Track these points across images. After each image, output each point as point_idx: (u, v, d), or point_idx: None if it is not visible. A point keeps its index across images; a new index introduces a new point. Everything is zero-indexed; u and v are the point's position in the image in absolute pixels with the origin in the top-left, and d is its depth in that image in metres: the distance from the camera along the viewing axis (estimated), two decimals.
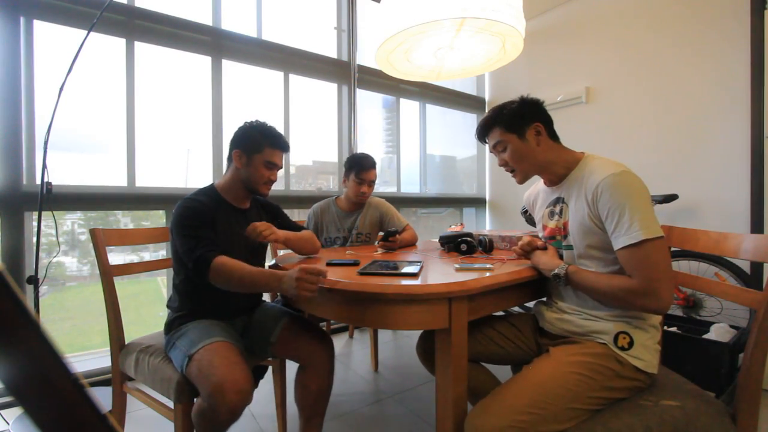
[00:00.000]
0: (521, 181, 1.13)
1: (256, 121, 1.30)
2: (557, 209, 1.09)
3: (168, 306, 1.26)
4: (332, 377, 1.26)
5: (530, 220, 1.84)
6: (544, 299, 1.21)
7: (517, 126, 1.06)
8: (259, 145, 1.25)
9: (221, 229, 1.21)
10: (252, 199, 1.37)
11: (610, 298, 0.94)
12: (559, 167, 1.08)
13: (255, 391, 1.06)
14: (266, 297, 1.84)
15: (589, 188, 0.96)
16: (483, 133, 1.14)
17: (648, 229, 0.86)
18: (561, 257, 1.09)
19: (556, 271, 1.02)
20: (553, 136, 1.09)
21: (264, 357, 1.31)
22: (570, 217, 1.04)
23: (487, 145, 1.16)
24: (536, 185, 1.25)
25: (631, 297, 0.89)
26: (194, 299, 1.21)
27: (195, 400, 1.09)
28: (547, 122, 1.08)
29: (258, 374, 1.71)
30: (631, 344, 0.93)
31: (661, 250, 0.87)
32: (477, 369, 1.19)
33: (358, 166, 1.86)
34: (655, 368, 0.94)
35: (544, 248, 1.14)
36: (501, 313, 1.22)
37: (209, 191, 1.27)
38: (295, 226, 1.51)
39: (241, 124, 1.30)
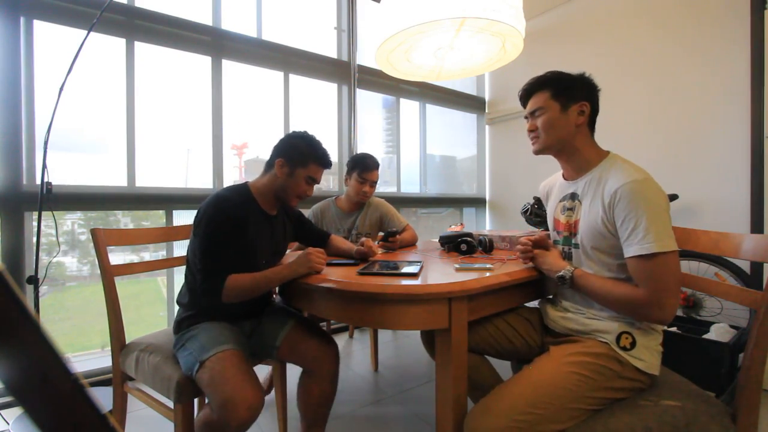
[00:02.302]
0: (537, 150, 1.07)
1: (305, 132, 1.28)
2: (571, 205, 1.07)
3: (178, 302, 1.24)
4: (336, 382, 1.25)
5: (530, 221, 1.84)
6: (550, 297, 1.21)
7: (565, 96, 1.01)
8: (305, 160, 1.23)
9: (251, 232, 1.19)
10: (279, 206, 1.35)
11: (614, 306, 0.94)
12: (580, 157, 1.04)
13: None
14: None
15: (607, 192, 0.94)
16: (529, 92, 1.07)
17: (662, 242, 0.85)
18: (569, 255, 1.08)
19: (561, 273, 1.01)
20: (591, 127, 1.05)
21: (269, 359, 1.31)
22: (582, 216, 1.02)
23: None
24: (554, 176, 1.22)
25: (635, 307, 0.89)
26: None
27: (196, 399, 1.09)
28: (594, 109, 1.03)
29: None
30: (633, 345, 0.93)
31: (672, 264, 0.86)
32: (480, 362, 1.18)
33: (362, 166, 1.86)
34: (656, 369, 0.94)
35: (545, 247, 1.14)
36: None
37: (244, 192, 1.24)
38: (323, 232, 1.53)
39: (290, 132, 1.28)
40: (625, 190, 0.90)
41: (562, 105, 1.01)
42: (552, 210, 1.18)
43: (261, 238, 1.24)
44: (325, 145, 1.28)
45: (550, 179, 1.26)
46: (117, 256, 2.16)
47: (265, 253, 1.26)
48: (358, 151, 2.62)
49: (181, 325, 1.18)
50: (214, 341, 1.08)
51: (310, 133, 1.29)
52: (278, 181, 1.24)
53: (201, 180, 2.29)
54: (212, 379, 0.98)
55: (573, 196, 1.07)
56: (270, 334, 1.24)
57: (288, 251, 1.49)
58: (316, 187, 1.32)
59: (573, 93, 1.01)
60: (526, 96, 1.09)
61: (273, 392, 1.67)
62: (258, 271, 1.22)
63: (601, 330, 0.97)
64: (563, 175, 1.14)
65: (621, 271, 0.96)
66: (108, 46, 1.97)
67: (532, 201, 1.92)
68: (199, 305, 1.19)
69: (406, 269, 1.13)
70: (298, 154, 1.23)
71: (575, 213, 1.05)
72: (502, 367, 1.25)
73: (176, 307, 1.25)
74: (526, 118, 1.11)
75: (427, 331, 1.26)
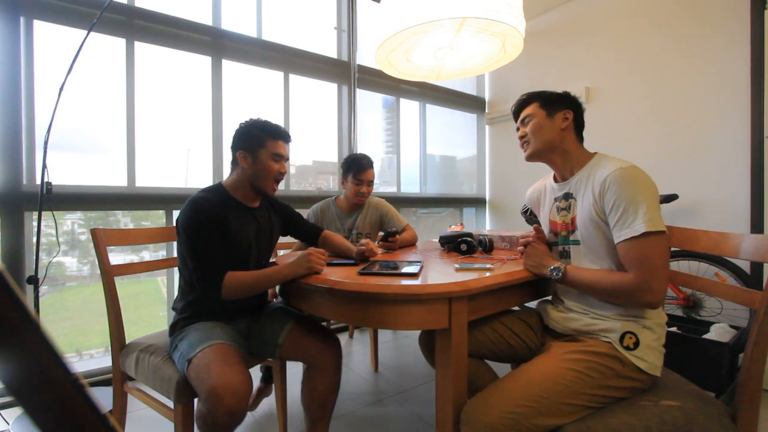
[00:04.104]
0: (529, 155, 1.14)
1: (251, 118, 1.28)
2: (565, 205, 1.10)
3: (173, 308, 1.26)
4: (339, 376, 1.26)
5: (530, 221, 1.84)
6: (549, 298, 1.21)
7: (550, 105, 1.11)
8: (261, 140, 1.23)
9: (233, 229, 1.19)
10: (261, 199, 1.36)
11: (605, 294, 0.96)
12: (571, 158, 1.09)
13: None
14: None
15: (597, 181, 0.98)
16: (521, 106, 1.16)
17: (651, 222, 0.87)
18: (568, 254, 1.10)
19: (556, 265, 1.03)
20: (578, 133, 1.12)
21: (269, 358, 1.31)
22: (578, 211, 1.05)
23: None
24: (541, 181, 1.25)
25: (626, 292, 0.91)
26: (198, 301, 1.20)
27: (195, 400, 1.09)
28: (578, 118, 1.11)
29: (268, 375, 1.71)
30: (636, 344, 0.93)
31: (661, 245, 0.88)
32: (481, 367, 1.18)
33: (356, 167, 1.86)
34: (658, 371, 0.94)
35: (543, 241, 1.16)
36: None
37: (218, 190, 1.24)
38: (315, 228, 1.52)
39: (237, 126, 1.28)
40: (614, 176, 0.94)
41: (548, 112, 1.11)
42: (546, 213, 1.19)
43: (246, 230, 1.24)
44: (281, 127, 1.29)
45: (536, 185, 1.28)
46: (117, 256, 2.16)
47: (253, 244, 1.27)
48: (358, 151, 2.62)
49: (174, 328, 1.19)
50: (202, 339, 1.08)
51: (255, 116, 1.29)
52: (248, 173, 1.24)
53: (201, 180, 2.29)
54: (197, 373, 0.99)
55: (567, 196, 1.10)
56: (272, 333, 1.24)
57: (289, 251, 1.49)
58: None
59: (558, 103, 1.11)
60: (518, 110, 1.18)
61: (273, 393, 1.67)
62: (250, 263, 1.24)
63: (604, 330, 0.97)
64: (554, 179, 1.17)
65: (618, 264, 0.97)
66: (108, 46, 1.97)
67: None
68: (192, 308, 1.19)
69: (406, 269, 1.13)
70: (252, 138, 1.23)
71: (571, 211, 1.08)
72: (502, 370, 1.25)
73: (173, 312, 1.26)
74: (518, 129, 1.18)
75: (426, 339, 1.25)
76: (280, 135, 1.27)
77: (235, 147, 1.25)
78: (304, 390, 1.24)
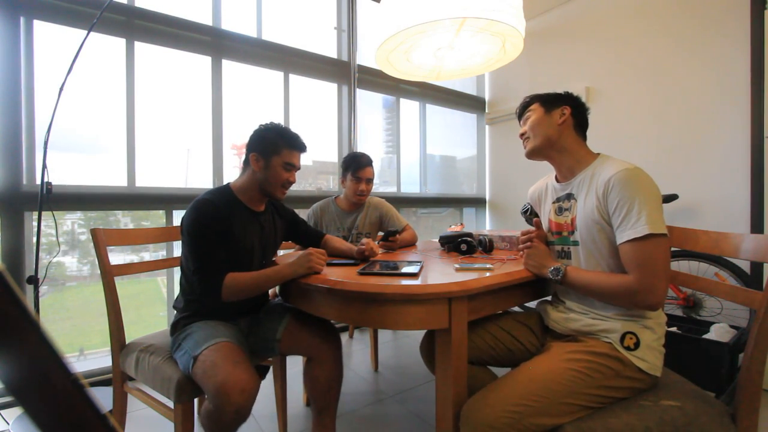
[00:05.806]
0: (529, 150, 1.15)
1: (272, 123, 1.28)
2: (566, 205, 1.10)
3: (174, 307, 1.26)
4: (341, 367, 1.26)
5: (530, 221, 1.84)
6: (548, 298, 1.21)
7: (549, 103, 1.13)
8: (276, 147, 1.23)
9: (237, 232, 1.19)
10: (267, 203, 1.36)
11: (607, 296, 0.96)
12: (570, 158, 1.09)
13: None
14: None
15: (601, 182, 0.98)
16: (524, 107, 1.19)
17: (654, 224, 0.87)
18: (567, 254, 1.10)
19: (556, 266, 1.03)
20: (579, 130, 1.12)
21: (270, 355, 1.31)
22: (578, 212, 1.04)
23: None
24: (543, 180, 1.25)
25: (627, 295, 0.90)
26: (200, 300, 1.20)
27: (196, 400, 1.09)
28: (578, 114, 1.11)
29: (260, 373, 1.71)
30: (637, 345, 0.93)
31: (663, 248, 0.88)
32: (481, 372, 1.18)
33: (355, 165, 1.86)
34: (658, 371, 0.94)
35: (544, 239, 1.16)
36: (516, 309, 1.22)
37: (225, 191, 1.25)
38: (317, 233, 1.53)
39: (257, 127, 1.27)
40: (618, 177, 0.94)
41: (546, 109, 1.13)
42: (546, 213, 1.19)
43: (249, 234, 1.24)
44: (298, 133, 1.29)
45: (538, 184, 1.29)
46: (117, 256, 2.16)
47: (256, 248, 1.27)
48: (358, 151, 2.62)
49: (176, 327, 1.19)
50: (207, 336, 1.08)
51: (276, 122, 1.29)
52: (258, 176, 1.24)
53: (201, 180, 2.29)
54: (204, 370, 0.99)
55: (569, 197, 1.09)
56: (269, 329, 1.25)
57: (290, 251, 1.50)
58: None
59: (556, 101, 1.13)
60: (521, 111, 1.20)
61: (273, 390, 1.67)
62: (253, 267, 1.24)
63: (605, 330, 0.97)
64: (557, 178, 1.17)
65: (617, 265, 0.97)
66: (108, 46, 1.97)
67: None
68: (193, 307, 1.20)
69: (406, 269, 1.13)
70: (269, 143, 1.23)
71: (571, 211, 1.07)
72: (502, 373, 1.25)
73: (174, 311, 1.26)
74: (521, 126, 1.20)
75: (427, 346, 1.25)
76: (297, 145, 1.27)
77: (250, 148, 1.25)
78: (306, 381, 1.24)
